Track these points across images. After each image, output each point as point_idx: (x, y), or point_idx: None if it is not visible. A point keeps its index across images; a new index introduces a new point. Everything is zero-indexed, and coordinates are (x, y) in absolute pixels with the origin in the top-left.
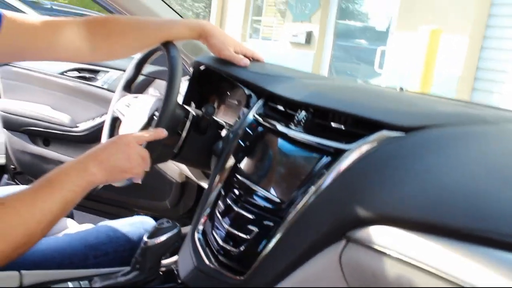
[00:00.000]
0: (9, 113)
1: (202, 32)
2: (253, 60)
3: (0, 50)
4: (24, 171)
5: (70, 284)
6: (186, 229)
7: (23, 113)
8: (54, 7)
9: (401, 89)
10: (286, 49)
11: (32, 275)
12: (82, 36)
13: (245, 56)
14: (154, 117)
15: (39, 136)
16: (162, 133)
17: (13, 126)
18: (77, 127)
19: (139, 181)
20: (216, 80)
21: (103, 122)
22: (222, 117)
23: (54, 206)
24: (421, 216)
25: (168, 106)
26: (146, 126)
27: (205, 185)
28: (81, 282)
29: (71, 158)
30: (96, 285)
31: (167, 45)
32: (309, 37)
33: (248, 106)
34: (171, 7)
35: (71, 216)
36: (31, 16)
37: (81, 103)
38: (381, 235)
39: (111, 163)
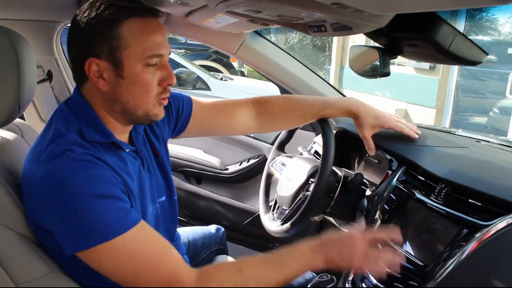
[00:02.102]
0: (169, 156)
1: (350, 113)
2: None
3: (192, 130)
4: (179, 204)
5: None
6: None
7: (180, 156)
8: (188, 41)
9: None
10: (410, 74)
11: None
12: (252, 116)
13: (394, 129)
14: (310, 181)
15: (193, 175)
16: (395, 235)
17: (172, 166)
18: (226, 169)
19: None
20: (358, 139)
21: (249, 166)
22: (363, 172)
23: (276, 282)
24: None
25: (323, 176)
26: (301, 188)
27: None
28: None
29: (220, 196)
30: None
31: (323, 123)
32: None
33: (390, 168)
34: (330, 84)
35: (227, 252)
36: (212, 100)
37: (229, 148)
38: None
39: (333, 258)
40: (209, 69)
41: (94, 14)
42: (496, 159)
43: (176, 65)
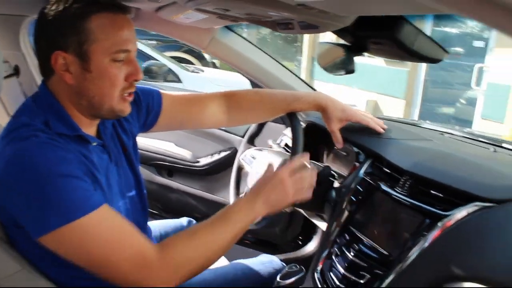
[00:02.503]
0: (140, 149)
1: (319, 107)
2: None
3: (162, 124)
4: (151, 197)
5: None
6: (296, 254)
7: (152, 149)
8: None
9: (495, 150)
10: (380, 66)
11: None
12: (222, 110)
13: (360, 123)
14: None
15: (164, 168)
16: (304, 157)
17: (143, 160)
18: (198, 162)
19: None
20: (326, 132)
21: (220, 158)
22: (331, 164)
23: (228, 236)
24: (505, 280)
25: None
26: None
27: (316, 222)
28: None
29: (192, 188)
30: None
31: (291, 117)
32: None
33: (357, 161)
34: (299, 78)
35: None
36: (182, 94)
37: (200, 140)
38: None
39: (272, 198)
40: (180, 60)
41: (62, 7)
42: (458, 152)
43: (147, 57)
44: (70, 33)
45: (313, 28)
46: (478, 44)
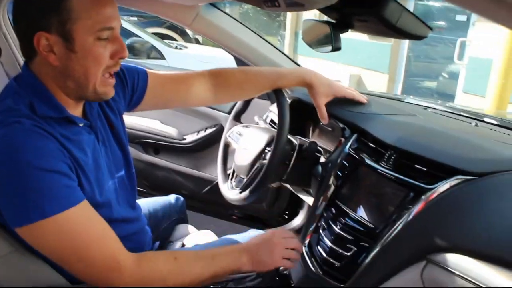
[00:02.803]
0: (126, 128)
1: (304, 83)
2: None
3: (148, 103)
4: (138, 175)
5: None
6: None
7: (137, 127)
8: None
9: (476, 124)
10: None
11: None
12: (208, 88)
13: (345, 98)
14: (266, 150)
15: (150, 146)
16: (295, 242)
17: (129, 138)
18: (184, 139)
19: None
20: (312, 108)
21: (206, 135)
22: (317, 139)
23: (207, 274)
24: (485, 250)
25: (279, 145)
26: (258, 157)
27: (303, 197)
28: (220, 286)
29: (179, 165)
30: None
31: (277, 93)
32: None
33: (343, 136)
34: (285, 54)
35: (187, 221)
36: (168, 73)
37: (186, 118)
38: (455, 260)
39: (258, 257)
40: (163, 36)
41: None
42: (441, 126)
43: (130, 34)
44: (51, 12)
45: (299, 5)
46: (461, 18)
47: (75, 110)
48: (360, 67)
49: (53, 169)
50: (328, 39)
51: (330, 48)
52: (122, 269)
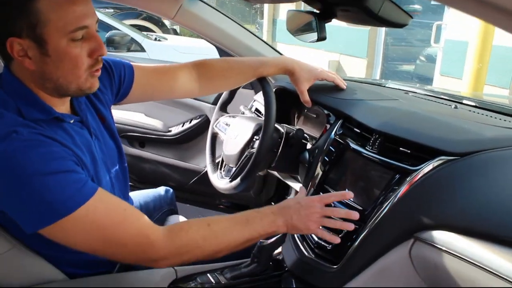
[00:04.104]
0: None
1: (286, 70)
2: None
3: (135, 95)
4: None
5: (208, 275)
6: None
7: (122, 121)
8: None
9: (456, 107)
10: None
11: (183, 270)
12: (193, 78)
13: (326, 80)
14: (254, 139)
15: (136, 140)
16: (346, 195)
17: None
18: (169, 131)
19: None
20: (296, 96)
21: (192, 126)
22: (302, 127)
23: (242, 238)
24: (470, 225)
25: (267, 133)
26: (246, 145)
27: (290, 183)
28: (216, 273)
29: (165, 158)
30: (227, 275)
31: (262, 81)
32: None
33: (328, 122)
34: (267, 43)
35: (177, 212)
36: (154, 66)
37: (170, 110)
38: (441, 237)
39: (293, 221)
40: (140, 28)
41: None
42: (422, 110)
43: (108, 27)
44: (18, 17)
45: None
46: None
47: (62, 107)
48: (338, 53)
49: (62, 169)
50: (313, 29)
51: (315, 38)
52: (154, 243)
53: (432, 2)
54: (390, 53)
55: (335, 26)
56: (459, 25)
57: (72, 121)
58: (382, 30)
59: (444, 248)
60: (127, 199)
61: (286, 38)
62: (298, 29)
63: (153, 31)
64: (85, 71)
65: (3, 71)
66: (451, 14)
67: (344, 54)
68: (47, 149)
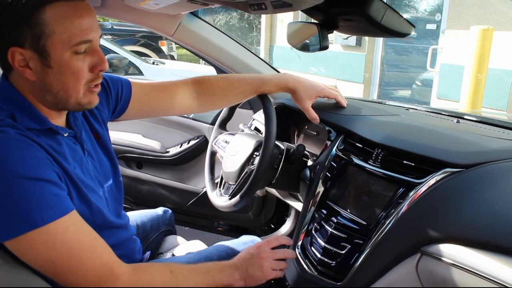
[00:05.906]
0: None
1: (287, 88)
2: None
3: (132, 112)
4: None
5: None
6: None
7: (119, 142)
8: (114, 26)
9: (458, 121)
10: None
11: None
12: (191, 96)
13: (328, 98)
14: (254, 155)
15: (133, 161)
16: (285, 240)
17: None
18: (167, 152)
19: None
20: (296, 113)
21: (190, 147)
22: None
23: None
24: (477, 237)
25: (268, 149)
26: (246, 162)
27: (290, 202)
28: None
29: (163, 179)
30: None
31: (263, 98)
32: (359, 40)
33: (329, 139)
34: (265, 62)
35: (175, 232)
36: (152, 82)
37: (168, 130)
38: (448, 251)
39: (248, 272)
40: (138, 54)
41: None
42: (424, 124)
43: (107, 51)
44: (23, 27)
45: (287, 6)
46: (431, 26)
47: (58, 120)
48: (335, 78)
49: (41, 177)
50: (314, 40)
51: (318, 47)
52: (117, 278)
53: (427, 27)
54: (387, 79)
55: (331, 51)
56: (454, 49)
57: (66, 135)
58: (378, 54)
59: (452, 262)
60: (120, 212)
61: (283, 64)
62: (299, 40)
63: (150, 57)
64: (84, 85)
65: (1, 80)
66: (446, 39)
67: (340, 80)
68: (32, 152)
